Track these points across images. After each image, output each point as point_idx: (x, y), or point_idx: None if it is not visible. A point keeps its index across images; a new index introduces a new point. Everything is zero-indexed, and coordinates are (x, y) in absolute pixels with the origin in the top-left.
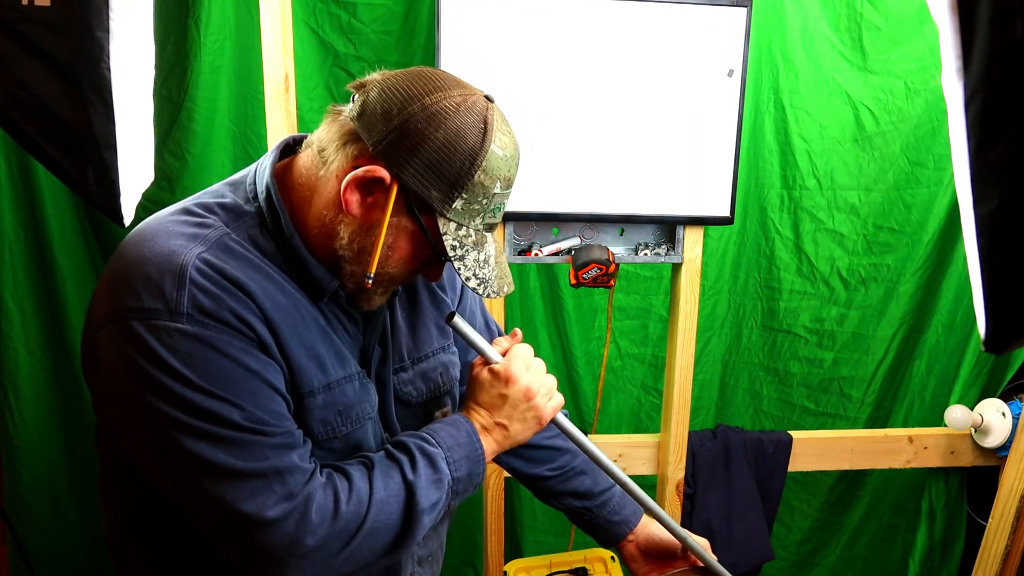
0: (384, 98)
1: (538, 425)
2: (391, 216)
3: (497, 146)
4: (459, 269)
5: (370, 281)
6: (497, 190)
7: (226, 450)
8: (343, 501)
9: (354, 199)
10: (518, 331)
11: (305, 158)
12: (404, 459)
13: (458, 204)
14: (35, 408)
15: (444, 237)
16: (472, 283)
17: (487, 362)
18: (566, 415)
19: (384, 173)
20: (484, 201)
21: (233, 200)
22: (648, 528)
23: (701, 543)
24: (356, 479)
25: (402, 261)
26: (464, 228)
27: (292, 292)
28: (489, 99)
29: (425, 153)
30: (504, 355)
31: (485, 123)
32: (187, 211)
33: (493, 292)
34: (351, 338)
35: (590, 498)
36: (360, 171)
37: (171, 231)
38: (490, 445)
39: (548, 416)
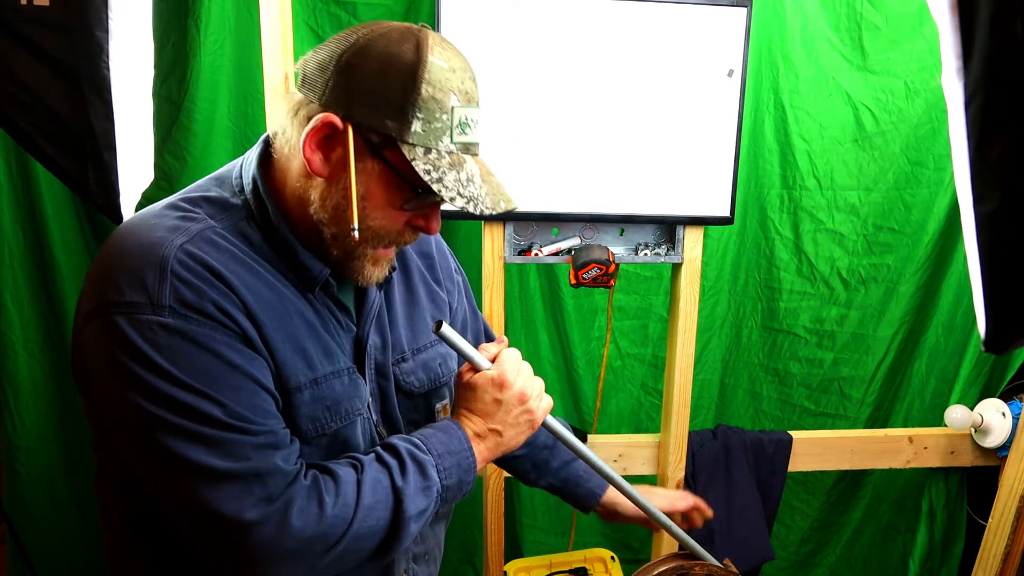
0: (318, 55)
1: (531, 429)
2: (356, 163)
3: (437, 59)
4: (440, 192)
5: (356, 233)
6: (455, 103)
7: (206, 449)
8: (328, 505)
9: (316, 158)
10: (504, 337)
11: (277, 147)
12: (394, 464)
13: (416, 126)
14: (34, 409)
15: (413, 163)
16: (459, 202)
17: (475, 369)
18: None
19: (333, 118)
20: (444, 117)
21: (219, 194)
22: (614, 500)
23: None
24: (343, 483)
25: (380, 208)
26: (434, 151)
27: (277, 286)
28: (424, 26)
29: (365, 83)
30: (493, 361)
31: (418, 41)
32: (172, 206)
33: (486, 208)
34: (344, 330)
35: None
36: (311, 125)
37: (153, 224)
38: (482, 453)
39: (541, 419)
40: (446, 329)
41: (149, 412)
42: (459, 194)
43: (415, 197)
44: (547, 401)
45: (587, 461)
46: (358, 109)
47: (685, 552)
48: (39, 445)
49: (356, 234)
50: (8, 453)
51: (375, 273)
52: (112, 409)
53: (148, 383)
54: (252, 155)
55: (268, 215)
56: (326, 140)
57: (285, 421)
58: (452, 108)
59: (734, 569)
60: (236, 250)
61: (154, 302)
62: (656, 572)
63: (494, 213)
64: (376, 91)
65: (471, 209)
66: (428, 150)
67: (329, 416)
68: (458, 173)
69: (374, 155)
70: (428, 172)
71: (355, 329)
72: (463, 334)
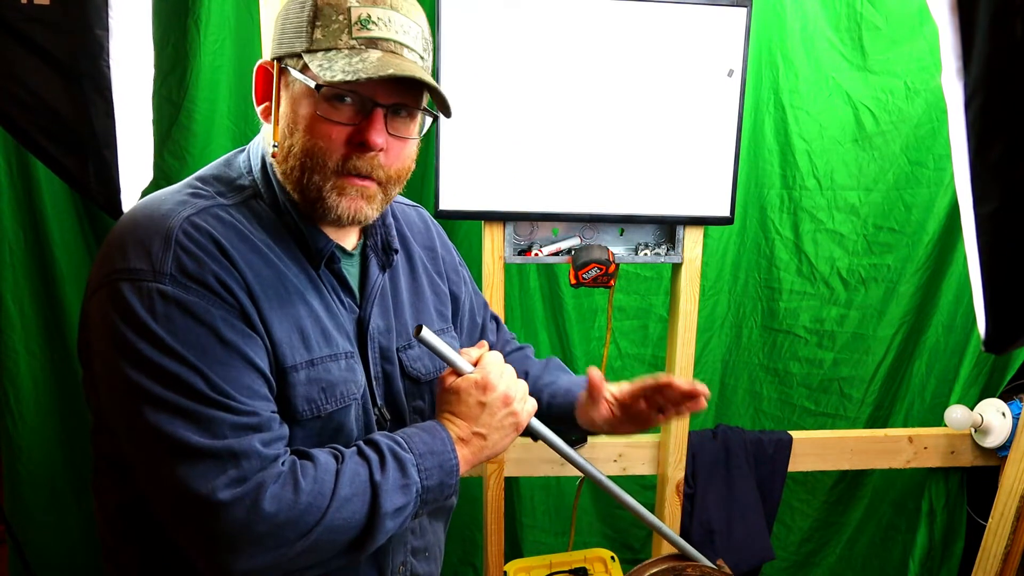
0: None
1: (515, 431)
2: (284, 91)
3: None
4: (322, 75)
5: (273, 149)
6: (352, 4)
7: (185, 423)
8: (303, 492)
9: (263, 107)
10: (485, 342)
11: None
12: (374, 458)
13: (317, 34)
14: (35, 408)
15: (310, 63)
16: (339, 76)
17: (458, 373)
18: None
19: (264, 63)
20: (340, 17)
21: (228, 174)
22: (585, 410)
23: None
24: (322, 470)
25: (303, 123)
26: (334, 50)
27: (279, 265)
28: None
29: (283, 22)
30: (475, 364)
31: None
32: (184, 184)
33: (364, 74)
34: (347, 311)
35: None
36: (253, 80)
37: (164, 199)
38: (466, 456)
39: (525, 421)
40: (426, 334)
41: (134, 379)
42: (341, 71)
43: (319, 96)
44: (531, 403)
45: (572, 462)
46: (280, 45)
47: (678, 553)
48: (39, 445)
49: (273, 149)
50: (8, 453)
51: (343, 204)
52: (105, 376)
53: (138, 350)
54: (259, 138)
55: (275, 192)
56: (267, 88)
57: (281, 401)
58: (349, 8)
59: (727, 570)
60: (242, 227)
61: (156, 269)
62: (649, 573)
63: (375, 78)
64: (288, 23)
65: (350, 78)
66: (328, 50)
67: (324, 398)
68: (351, 59)
69: (296, 78)
70: (321, 65)
71: (358, 310)
72: (474, 323)
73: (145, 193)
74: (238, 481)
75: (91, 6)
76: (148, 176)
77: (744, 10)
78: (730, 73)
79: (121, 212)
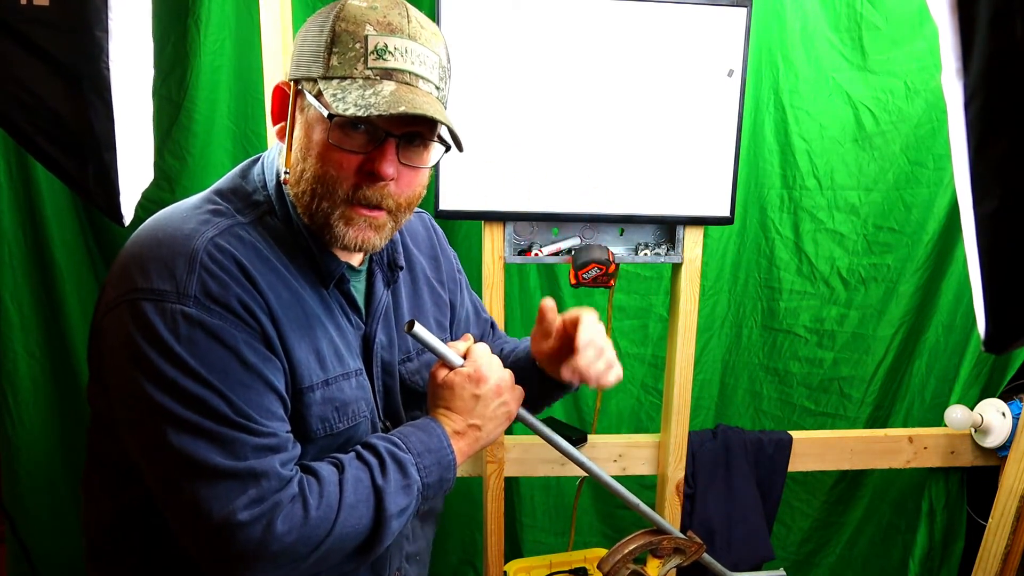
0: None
1: (508, 420)
2: (298, 114)
3: (356, 1)
4: (336, 107)
5: (284, 175)
6: (370, 32)
7: (208, 445)
8: (312, 507)
9: (279, 127)
10: (469, 335)
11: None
12: (374, 463)
13: (334, 60)
14: (34, 409)
15: (324, 91)
16: (352, 111)
17: (449, 367)
18: None
19: (281, 84)
20: (357, 46)
21: (243, 188)
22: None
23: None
24: (326, 483)
25: (315, 149)
26: (348, 79)
27: (296, 286)
28: None
29: (301, 44)
30: (465, 357)
31: None
32: (204, 199)
33: (376, 111)
34: (354, 328)
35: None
36: (269, 99)
37: (185, 216)
38: (462, 450)
39: (516, 409)
40: (418, 329)
41: (157, 400)
42: (354, 104)
43: (331, 124)
44: (519, 390)
45: (560, 449)
46: (298, 68)
47: (653, 528)
48: (39, 445)
49: (284, 175)
50: (8, 453)
51: (350, 233)
52: (122, 393)
53: (161, 371)
54: (273, 152)
55: (288, 210)
56: (284, 108)
57: (296, 420)
58: (366, 37)
59: (698, 540)
60: (261, 247)
61: (180, 291)
62: (628, 549)
63: (388, 114)
64: (306, 45)
65: (361, 114)
66: (343, 79)
67: (337, 416)
68: (364, 91)
69: (311, 104)
70: (335, 95)
71: (364, 327)
72: (467, 331)
73: (145, 194)
74: (257, 501)
75: (90, 7)
76: (148, 178)
77: (744, 10)
78: (730, 73)
79: (120, 214)
